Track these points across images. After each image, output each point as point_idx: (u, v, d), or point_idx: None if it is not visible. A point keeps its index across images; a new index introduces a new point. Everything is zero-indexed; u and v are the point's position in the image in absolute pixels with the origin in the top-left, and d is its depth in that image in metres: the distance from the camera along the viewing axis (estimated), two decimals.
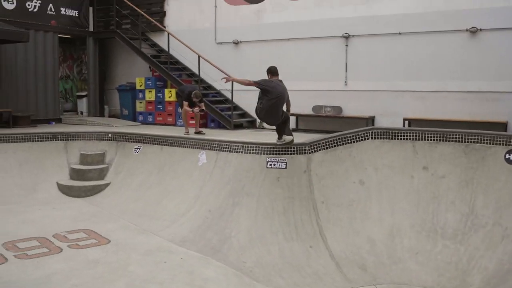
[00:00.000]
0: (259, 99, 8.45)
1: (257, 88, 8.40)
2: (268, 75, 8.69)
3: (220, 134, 10.87)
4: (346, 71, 12.16)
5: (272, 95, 8.23)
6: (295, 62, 12.71)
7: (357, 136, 8.74)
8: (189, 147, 9.90)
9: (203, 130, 11.61)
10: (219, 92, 13.67)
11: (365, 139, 8.72)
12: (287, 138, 8.65)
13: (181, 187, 9.30)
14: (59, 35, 14.85)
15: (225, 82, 8.94)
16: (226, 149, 9.28)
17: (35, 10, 14.06)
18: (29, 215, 8.82)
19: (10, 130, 11.68)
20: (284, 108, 8.81)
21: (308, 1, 12.64)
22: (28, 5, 13.89)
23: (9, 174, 10.11)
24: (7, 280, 6.03)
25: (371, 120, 11.72)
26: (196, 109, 11.25)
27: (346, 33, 12.06)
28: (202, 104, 11.44)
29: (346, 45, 12.11)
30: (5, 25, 12.55)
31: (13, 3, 13.54)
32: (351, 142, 8.73)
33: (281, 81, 8.69)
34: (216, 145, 9.46)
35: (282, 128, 8.74)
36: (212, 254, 7.24)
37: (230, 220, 8.06)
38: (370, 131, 8.76)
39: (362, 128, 9.18)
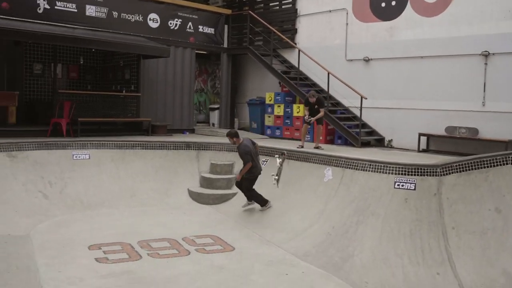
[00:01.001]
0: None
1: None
2: (234, 139, 9.57)
3: (346, 151, 10.76)
4: (484, 91, 11.43)
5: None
6: (427, 81, 12.23)
7: (495, 160, 8.14)
8: (316, 162, 9.91)
9: (322, 145, 11.56)
10: (348, 109, 13.56)
11: (504, 164, 8.09)
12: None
13: (305, 201, 9.34)
14: (196, 51, 15.76)
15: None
16: (353, 167, 9.16)
17: (175, 28, 15.07)
18: (162, 218, 9.40)
19: (149, 138, 12.56)
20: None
21: (444, 17, 12.11)
22: (170, 23, 14.93)
23: (147, 178, 10.86)
24: (141, 276, 6.47)
25: (511, 144, 10.88)
26: (306, 117, 11.35)
27: (485, 51, 11.36)
28: (322, 110, 11.44)
29: (485, 64, 11.39)
30: (149, 42, 13.61)
31: (157, 22, 14.64)
32: (488, 167, 8.14)
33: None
34: (343, 162, 9.37)
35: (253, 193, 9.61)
36: (334, 271, 7.15)
37: (353, 238, 7.91)
38: (511, 156, 8.12)
39: (502, 152, 8.54)
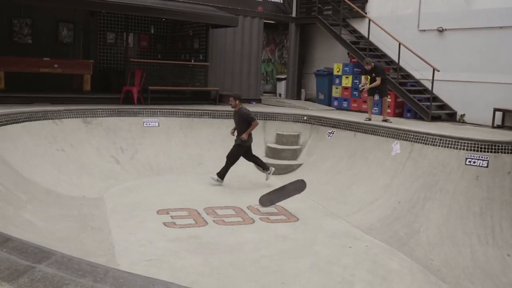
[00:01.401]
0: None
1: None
2: (237, 101, 9.61)
3: (416, 125, 10.46)
4: None
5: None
6: (506, 53, 11.58)
7: None
8: (383, 135, 9.73)
9: (390, 118, 11.26)
10: (419, 82, 13.11)
11: None
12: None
13: (371, 175, 9.22)
14: (264, 21, 15.67)
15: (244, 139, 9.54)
16: (422, 141, 8.92)
17: None
18: (228, 186, 9.58)
19: (216, 107, 12.74)
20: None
21: None
22: None
23: (214, 147, 11.06)
24: (206, 241, 6.65)
25: None
26: (361, 84, 11.05)
27: None
28: (379, 79, 11.05)
29: None
30: (218, 11, 13.66)
31: None
32: None
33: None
34: (412, 136, 9.15)
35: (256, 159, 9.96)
36: (398, 246, 7.06)
37: (420, 214, 7.76)
38: None
39: None
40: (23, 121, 9.15)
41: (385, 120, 10.90)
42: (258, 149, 11.30)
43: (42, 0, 11.25)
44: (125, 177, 9.57)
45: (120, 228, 6.92)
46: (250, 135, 9.55)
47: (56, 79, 13.51)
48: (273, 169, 9.86)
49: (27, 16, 13.88)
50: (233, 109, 9.81)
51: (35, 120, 9.43)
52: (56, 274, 2.17)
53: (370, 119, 10.88)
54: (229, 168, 9.57)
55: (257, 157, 9.93)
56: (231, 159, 9.56)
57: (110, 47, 15.19)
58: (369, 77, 11.27)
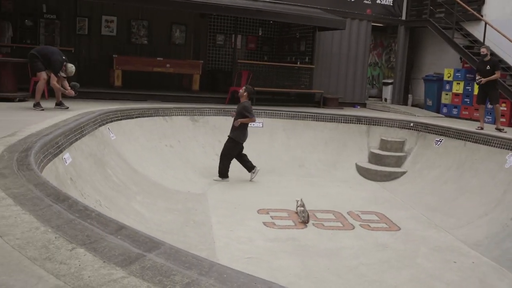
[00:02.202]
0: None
1: None
2: (245, 93, 9.43)
3: None
4: None
5: None
6: None
7: None
8: (496, 146, 9.15)
9: (504, 128, 10.48)
10: None
11: None
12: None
13: (481, 187, 8.71)
14: (372, 23, 15.38)
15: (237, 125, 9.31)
16: None
17: (353, 0, 14.83)
18: (328, 190, 9.51)
19: (320, 110, 12.70)
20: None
21: None
22: None
23: (316, 149, 11.03)
24: (305, 244, 6.65)
25: None
26: (478, 78, 10.36)
27: None
28: (498, 72, 10.33)
29: None
30: (325, 14, 13.61)
31: None
32: None
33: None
34: None
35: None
36: (509, 266, 6.57)
37: None
38: None
39: None
40: (136, 117, 9.71)
41: (499, 130, 10.25)
42: (361, 154, 11.15)
43: (157, 3, 11.84)
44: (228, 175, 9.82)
45: (221, 224, 7.11)
46: (244, 133, 9.33)
47: (168, 78, 14.23)
48: (259, 168, 9.59)
49: (145, 18, 14.72)
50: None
51: (147, 116, 9.97)
52: (164, 264, 2.28)
53: (482, 128, 10.27)
54: (228, 165, 9.35)
55: (245, 156, 9.57)
56: (227, 157, 9.32)
57: (219, 48, 15.69)
58: (479, 72, 10.56)
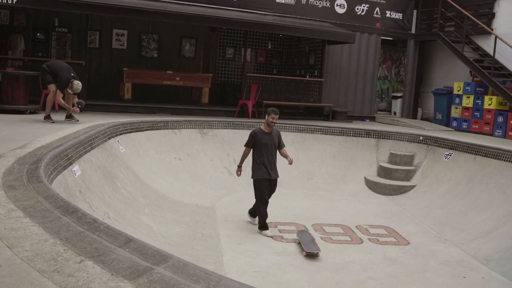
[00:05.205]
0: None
1: None
2: (271, 117, 7.42)
3: None
4: None
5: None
6: None
7: None
8: (507, 160, 9.09)
9: None
10: None
11: None
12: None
13: (491, 202, 8.64)
14: (381, 37, 15.40)
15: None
16: None
17: (362, 13, 14.88)
18: (336, 203, 9.48)
19: (329, 123, 12.70)
20: None
21: None
22: (357, 9, 14.79)
23: (324, 163, 11.02)
24: (312, 258, 6.60)
25: None
26: None
27: None
28: None
29: None
30: (335, 27, 13.67)
31: (344, 8, 14.60)
32: None
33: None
34: None
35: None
36: None
37: None
38: None
39: None
40: (146, 130, 9.75)
41: None
42: (370, 168, 11.11)
43: (167, 17, 11.93)
44: (236, 188, 9.81)
45: (229, 237, 7.10)
46: (257, 168, 7.50)
47: (177, 91, 14.32)
48: (256, 223, 7.63)
49: (155, 32, 14.85)
50: (267, 129, 7.55)
51: (157, 129, 10.02)
52: (172, 277, 2.28)
53: None
54: (262, 212, 7.45)
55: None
56: (256, 200, 7.61)
57: (229, 61, 15.77)
58: None
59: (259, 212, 7.45)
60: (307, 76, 14.61)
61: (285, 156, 7.75)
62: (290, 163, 7.77)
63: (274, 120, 7.39)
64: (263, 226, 7.42)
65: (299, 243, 6.91)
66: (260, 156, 7.39)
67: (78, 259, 2.48)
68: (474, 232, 8.08)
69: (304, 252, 6.57)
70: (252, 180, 7.58)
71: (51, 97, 9.07)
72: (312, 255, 6.52)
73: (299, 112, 14.20)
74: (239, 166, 7.70)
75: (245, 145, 7.64)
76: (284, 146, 7.81)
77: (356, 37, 13.85)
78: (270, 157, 7.46)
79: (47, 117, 8.94)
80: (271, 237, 7.26)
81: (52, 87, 9.03)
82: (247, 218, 7.92)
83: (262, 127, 7.57)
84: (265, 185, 7.42)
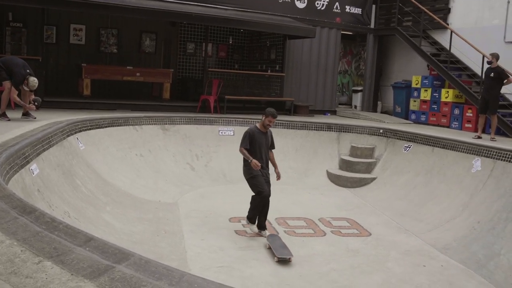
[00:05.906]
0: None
1: None
2: (268, 118, 7.17)
3: (499, 141, 9.97)
4: None
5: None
6: None
7: None
8: (463, 151, 9.35)
9: (481, 135, 10.54)
10: (503, 96, 12.51)
11: None
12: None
13: (449, 192, 8.88)
14: (341, 32, 15.58)
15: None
16: (505, 158, 8.49)
17: (322, 8, 15.01)
18: (299, 197, 9.56)
19: (291, 117, 12.77)
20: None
21: None
22: (317, 3, 14.91)
23: (287, 157, 11.07)
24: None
25: None
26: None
27: None
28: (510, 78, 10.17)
29: None
30: (295, 22, 13.73)
31: (304, 3, 14.69)
32: None
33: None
34: (494, 153, 8.73)
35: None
36: (476, 268, 6.73)
37: (501, 236, 7.35)
38: None
39: None
40: (106, 127, 9.59)
41: (493, 139, 10.07)
42: (332, 161, 11.24)
43: (126, 11, 11.71)
44: (199, 183, 9.78)
45: (192, 233, 7.07)
46: (247, 168, 7.27)
47: (138, 87, 14.11)
48: (254, 229, 7.29)
49: (114, 26, 14.59)
50: (263, 129, 7.33)
51: (117, 125, 9.86)
52: (134, 275, 2.26)
53: (480, 137, 10.17)
54: (254, 209, 7.24)
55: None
56: (252, 198, 7.34)
57: (190, 56, 15.65)
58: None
59: (254, 205, 7.14)
60: (269, 71, 14.64)
61: (273, 163, 7.49)
62: (278, 178, 7.48)
63: (271, 124, 7.17)
64: (252, 218, 7.19)
65: (269, 248, 6.66)
66: (254, 156, 7.13)
67: (37, 259, 2.42)
68: (433, 222, 8.30)
69: (275, 258, 6.31)
70: (247, 180, 7.33)
71: (6, 95, 8.79)
72: (284, 261, 6.28)
73: (261, 107, 14.19)
74: (252, 160, 7.04)
75: (241, 146, 7.26)
76: (274, 148, 7.57)
77: (316, 32, 13.96)
78: (264, 157, 7.30)
79: (2, 115, 8.68)
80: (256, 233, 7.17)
81: (7, 84, 8.76)
82: (244, 222, 7.55)
83: (258, 126, 7.32)
84: (261, 180, 7.14)
